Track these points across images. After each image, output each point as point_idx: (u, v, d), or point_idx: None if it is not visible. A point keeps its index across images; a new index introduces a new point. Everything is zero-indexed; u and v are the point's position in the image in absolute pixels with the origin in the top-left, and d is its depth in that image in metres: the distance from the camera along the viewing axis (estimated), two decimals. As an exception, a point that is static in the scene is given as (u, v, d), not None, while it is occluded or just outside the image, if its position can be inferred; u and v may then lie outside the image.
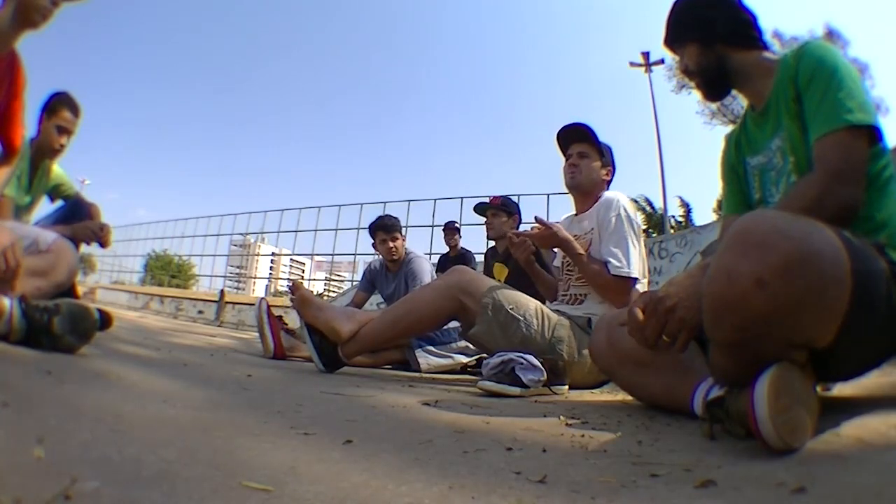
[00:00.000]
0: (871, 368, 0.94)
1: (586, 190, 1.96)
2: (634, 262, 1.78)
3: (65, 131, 2.19)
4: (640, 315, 0.94)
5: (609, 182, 2.02)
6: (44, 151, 2.18)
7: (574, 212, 2.05)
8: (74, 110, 2.21)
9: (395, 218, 3.12)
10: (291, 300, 1.92)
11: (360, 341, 1.73)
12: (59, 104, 2.17)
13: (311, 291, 2.05)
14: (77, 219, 2.27)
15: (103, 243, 2.16)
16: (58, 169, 2.33)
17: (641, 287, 1.82)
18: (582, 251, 1.83)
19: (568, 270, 1.97)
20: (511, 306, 1.68)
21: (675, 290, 0.90)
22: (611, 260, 1.77)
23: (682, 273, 0.97)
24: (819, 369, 0.82)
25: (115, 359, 1.36)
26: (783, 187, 1.09)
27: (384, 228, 2.99)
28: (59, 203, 2.43)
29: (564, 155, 2.00)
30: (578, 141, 1.97)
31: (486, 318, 1.67)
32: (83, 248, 2.25)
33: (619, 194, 1.91)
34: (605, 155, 1.98)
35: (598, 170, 1.96)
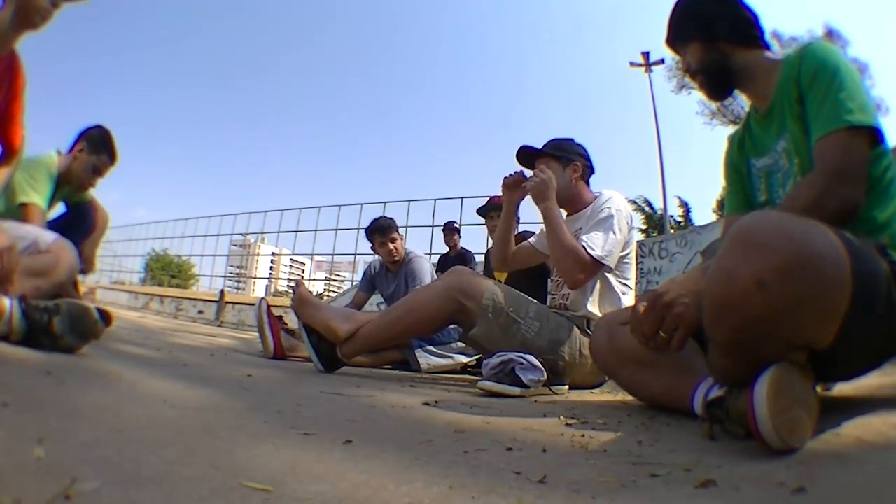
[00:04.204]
0: (871, 369, 0.94)
1: (563, 197, 1.92)
2: (611, 250, 1.76)
3: (98, 173, 2.22)
4: (643, 312, 0.94)
5: (586, 174, 2.00)
6: (72, 182, 2.20)
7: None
8: (114, 158, 2.24)
9: (391, 219, 3.10)
10: (292, 299, 1.92)
11: (359, 342, 1.73)
12: (104, 146, 2.19)
13: (311, 291, 2.04)
14: (80, 226, 2.26)
15: (83, 271, 2.17)
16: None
17: (614, 277, 1.83)
18: (561, 217, 1.83)
19: None
20: (511, 308, 1.68)
21: (675, 287, 0.91)
22: (587, 241, 1.76)
23: (682, 273, 0.97)
24: (819, 369, 0.82)
25: (115, 359, 1.36)
26: (790, 189, 1.09)
27: (380, 231, 2.97)
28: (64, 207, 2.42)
29: None
30: (536, 158, 1.99)
31: (487, 319, 1.66)
32: None
33: (613, 192, 1.91)
34: (561, 157, 1.96)
35: (563, 172, 1.94)
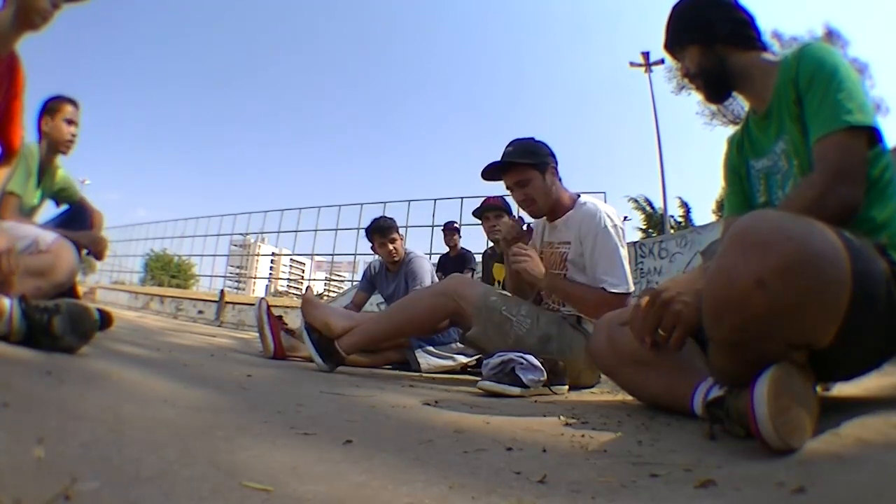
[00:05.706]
0: (872, 368, 0.94)
1: (550, 207, 1.89)
2: (628, 274, 1.78)
3: (72, 123, 2.25)
4: (643, 308, 0.94)
5: (557, 172, 1.91)
6: (56, 148, 2.22)
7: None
8: (74, 103, 2.27)
9: (391, 219, 3.09)
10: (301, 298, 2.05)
11: (356, 336, 1.81)
12: (58, 101, 2.22)
13: (315, 294, 2.16)
14: (78, 224, 2.27)
15: (98, 255, 2.19)
16: (63, 172, 2.34)
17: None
18: (571, 286, 1.81)
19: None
20: (504, 307, 1.75)
21: (675, 286, 0.91)
22: (607, 279, 1.74)
23: (682, 272, 0.97)
24: (819, 369, 0.82)
25: (115, 359, 1.36)
26: (790, 190, 1.09)
27: (380, 231, 2.96)
28: (64, 207, 2.43)
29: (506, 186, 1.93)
30: (505, 171, 1.86)
31: (482, 319, 1.73)
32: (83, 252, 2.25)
33: (599, 204, 1.84)
34: (536, 163, 1.83)
35: (543, 182, 1.84)
